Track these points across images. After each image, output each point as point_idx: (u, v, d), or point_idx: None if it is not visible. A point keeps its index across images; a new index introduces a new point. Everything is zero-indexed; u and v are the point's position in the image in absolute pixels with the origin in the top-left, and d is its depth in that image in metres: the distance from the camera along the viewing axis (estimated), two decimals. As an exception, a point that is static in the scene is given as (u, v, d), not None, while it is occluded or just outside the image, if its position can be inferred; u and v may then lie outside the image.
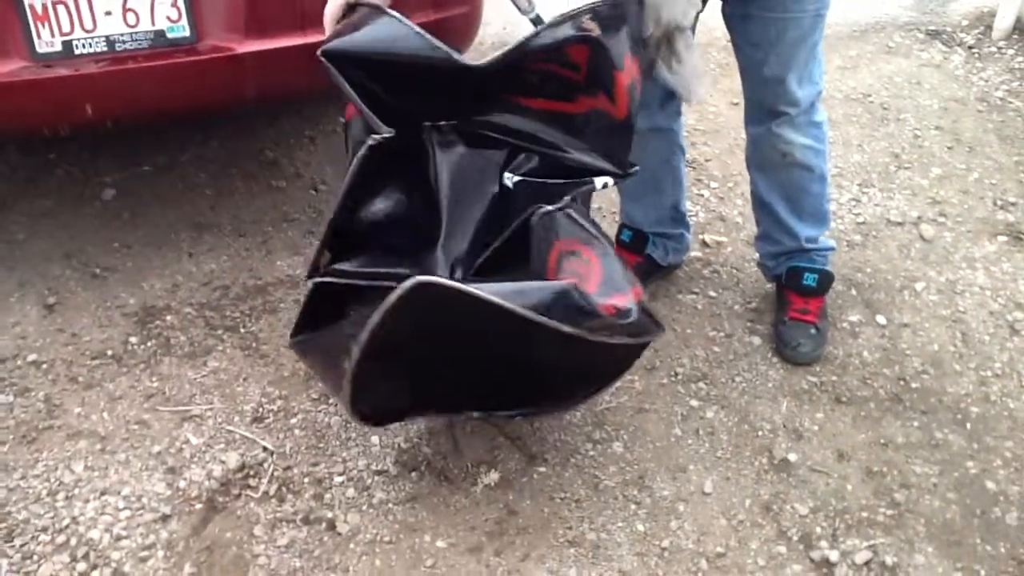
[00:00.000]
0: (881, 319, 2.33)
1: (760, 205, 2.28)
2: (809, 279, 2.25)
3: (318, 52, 1.71)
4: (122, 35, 2.03)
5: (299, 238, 2.53)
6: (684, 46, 1.82)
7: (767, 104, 2.10)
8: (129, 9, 2.01)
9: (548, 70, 1.78)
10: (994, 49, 3.63)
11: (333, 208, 1.83)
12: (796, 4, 1.95)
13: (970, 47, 3.68)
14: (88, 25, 1.99)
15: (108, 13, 2.00)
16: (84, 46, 2.01)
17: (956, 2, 3.97)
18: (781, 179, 2.19)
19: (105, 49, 2.02)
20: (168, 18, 2.04)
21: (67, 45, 1.99)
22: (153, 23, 2.04)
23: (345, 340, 1.58)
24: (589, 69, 1.76)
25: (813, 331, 2.24)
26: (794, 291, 2.27)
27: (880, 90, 3.35)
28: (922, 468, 1.96)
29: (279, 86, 2.22)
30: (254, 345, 2.19)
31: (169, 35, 2.06)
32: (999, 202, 2.75)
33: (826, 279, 2.27)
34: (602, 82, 1.75)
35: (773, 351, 2.24)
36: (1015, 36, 3.68)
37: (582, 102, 1.80)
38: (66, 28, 1.97)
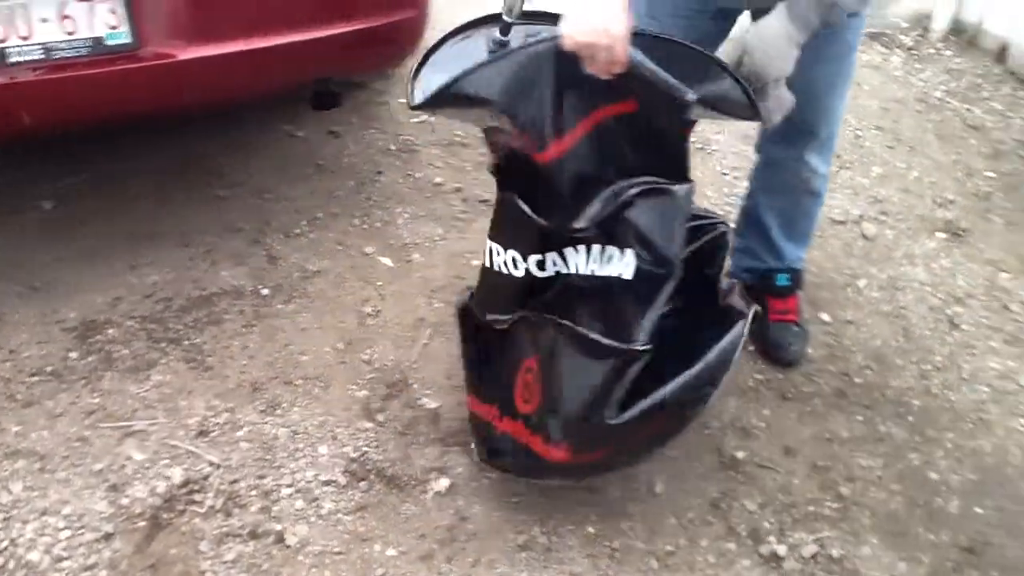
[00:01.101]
0: (825, 316, 2.36)
1: (753, 224, 2.24)
2: (782, 279, 2.26)
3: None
4: (59, 42, 1.99)
5: (244, 247, 2.50)
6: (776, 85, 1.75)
7: (805, 124, 2.00)
8: (67, 16, 1.97)
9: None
10: (932, 50, 3.71)
11: None
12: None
13: (909, 48, 3.76)
14: (24, 32, 1.95)
15: (44, 20, 1.96)
16: (19, 54, 1.96)
17: (895, 4, 4.05)
18: (789, 203, 2.17)
19: (42, 57, 1.98)
20: (107, 25, 2.01)
21: (1, 53, 1.95)
22: (92, 30, 2.00)
23: None
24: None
25: (797, 329, 2.25)
26: (770, 294, 2.25)
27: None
28: (866, 461, 1.99)
29: (223, 92, 2.20)
30: (198, 358, 2.16)
31: (109, 42, 2.03)
32: (938, 200, 2.81)
33: (798, 276, 2.28)
34: None
35: (759, 355, 2.24)
36: (952, 38, 3.77)
37: None
38: (0, 35, 1.93)
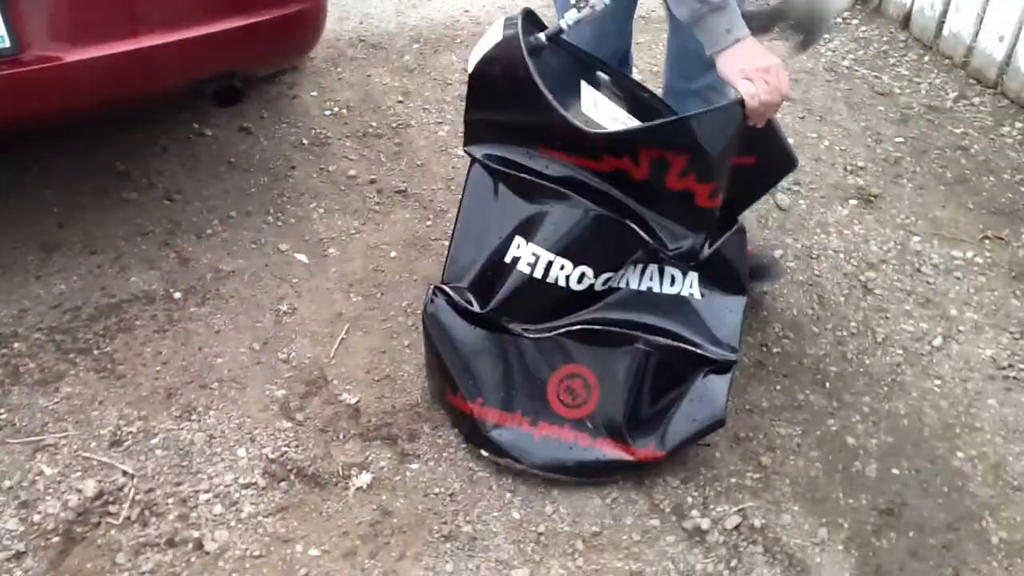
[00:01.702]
0: (742, 288, 2.39)
1: None
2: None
3: None
4: (-66, 51, 1.91)
5: (154, 251, 2.43)
6: None
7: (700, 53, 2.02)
8: (-61, 23, 1.90)
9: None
10: (839, 20, 3.76)
11: None
12: None
13: (818, 19, 3.80)
14: None
15: (-84, 26, 1.88)
16: None
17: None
18: None
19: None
20: (-17, 30, 1.93)
21: None
22: (-33, 34, 1.92)
23: None
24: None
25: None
26: None
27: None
28: (786, 430, 2.02)
29: (117, 94, 2.13)
30: (109, 366, 2.10)
31: None
32: (849, 167, 2.85)
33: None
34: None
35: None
36: (858, 7, 3.82)
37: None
38: None
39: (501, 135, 1.88)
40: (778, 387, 2.12)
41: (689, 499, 1.87)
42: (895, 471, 1.93)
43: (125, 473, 1.86)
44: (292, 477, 1.88)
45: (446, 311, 1.92)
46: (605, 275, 1.85)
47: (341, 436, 1.97)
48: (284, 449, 1.93)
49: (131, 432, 1.96)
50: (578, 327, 1.88)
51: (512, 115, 1.83)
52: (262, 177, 2.73)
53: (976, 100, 3.23)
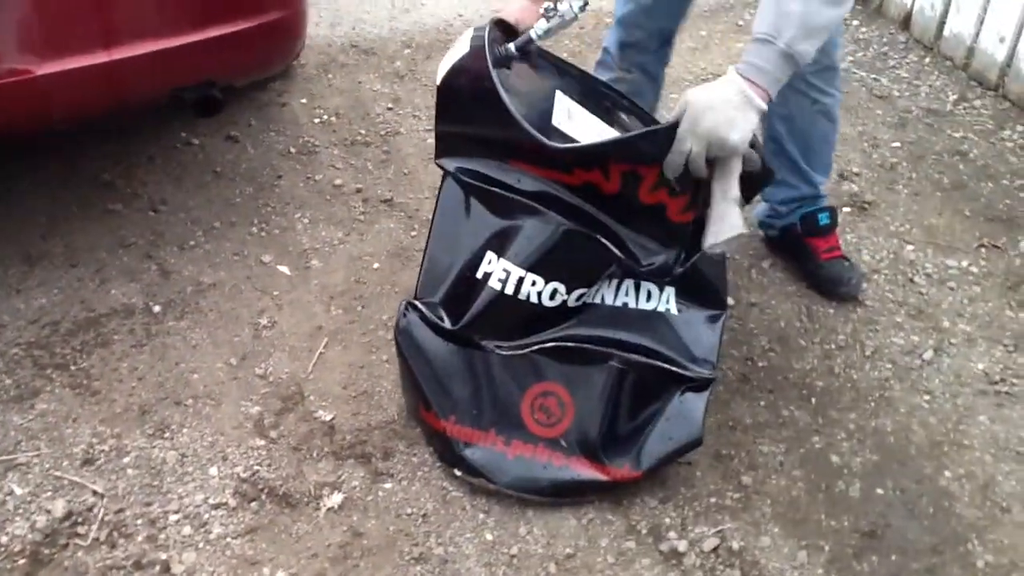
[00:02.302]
0: (729, 300, 2.33)
1: (778, 154, 2.27)
2: (823, 218, 2.34)
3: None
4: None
5: (136, 263, 2.41)
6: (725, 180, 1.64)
7: None
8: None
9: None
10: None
11: None
12: None
13: (819, 20, 3.73)
14: None
15: None
16: None
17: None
18: (806, 126, 2.24)
19: None
20: (-47, 43, 1.91)
21: None
22: (-65, 49, 1.91)
23: None
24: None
25: (848, 264, 2.35)
26: (814, 235, 2.35)
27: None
28: (769, 447, 1.97)
29: (88, 106, 2.11)
30: (85, 382, 2.08)
31: None
32: (844, 173, 2.79)
33: (834, 213, 2.38)
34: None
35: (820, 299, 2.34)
36: (859, 7, 3.76)
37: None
38: None
39: (471, 148, 1.85)
40: (762, 403, 2.07)
41: (667, 520, 1.83)
42: (879, 491, 1.89)
43: (95, 493, 1.84)
44: (263, 497, 1.85)
45: (419, 327, 1.89)
46: (578, 291, 1.81)
47: (315, 454, 1.94)
48: (256, 468, 1.91)
49: (103, 450, 1.93)
50: (551, 344, 1.84)
51: (480, 128, 1.80)
52: (248, 187, 2.71)
53: (977, 103, 3.17)
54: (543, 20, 1.78)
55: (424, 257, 1.94)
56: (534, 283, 1.78)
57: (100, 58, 2.00)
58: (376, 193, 2.70)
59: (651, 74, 2.38)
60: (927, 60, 3.42)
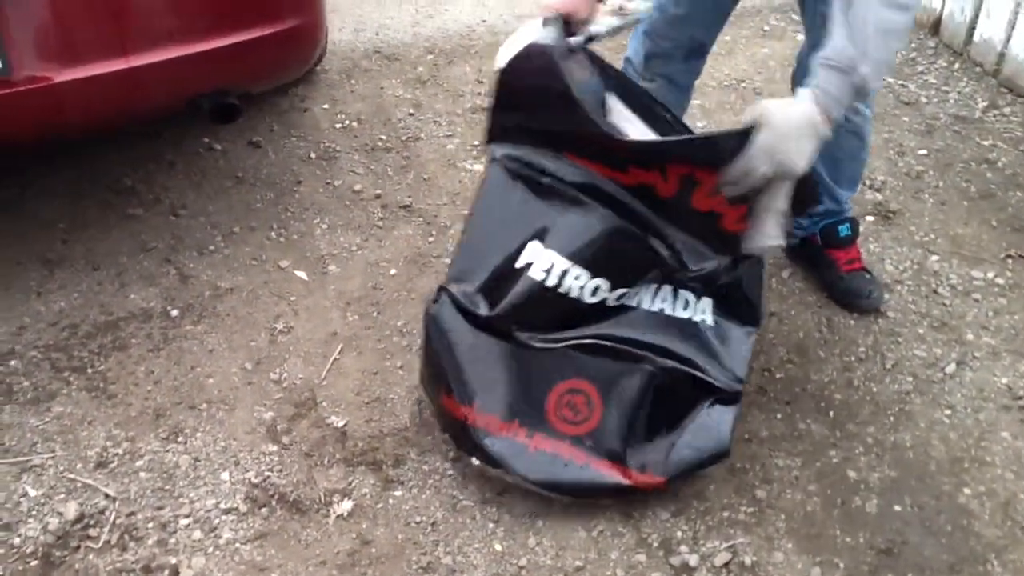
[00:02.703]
0: (749, 310, 2.31)
1: None
2: (844, 229, 2.32)
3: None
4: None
5: (155, 267, 2.43)
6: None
7: None
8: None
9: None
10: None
11: None
12: None
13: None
14: None
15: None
16: None
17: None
18: (834, 144, 2.15)
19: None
20: (-24, 51, 1.94)
21: None
22: (-40, 57, 1.93)
23: None
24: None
25: (869, 276, 2.32)
26: (834, 247, 2.32)
27: (754, 75, 3.34)
28: (784, 461, 1.94)
29: (106, 113, 2.12)
30: (101, 385, 2.10)
31: None
32: (868, 181, 2.75)
33: (855, 224, 2.35)
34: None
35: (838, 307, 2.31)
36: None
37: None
38: None
39: (526, 136, 1.83)
40: (779, 415, 2.04)
41: (679, 533, 1.81)
42: (897, 507, 1.85)
43: (107, 496, 1.85)
44: (273, 503, 1.85)
45: (449, 312, 1.86)
46: (620, 291, 1.80)
47: (326, 461, 1.94)
48: (267, 473, 1.91)
49: (117, 453, 1.95)
50: (588, 340, 1.82)
51: (540, 118, 1.79)
52: (268, 192, 2.72)
53: (1007, 110, 3.11)
54: (613, 17, 1.75)
55: (461, 241, 1.92)
56: (577, 277, 1.77)
57: (118, 65, 2.01)
58: (395, 199, 2.70)
59: (679, 84, 2.32)
60: (956, 66, 3.36)
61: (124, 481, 1.89)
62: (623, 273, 1.81)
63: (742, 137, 1.59)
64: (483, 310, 1.84)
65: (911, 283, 2.39)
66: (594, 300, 1.80)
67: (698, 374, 1.84)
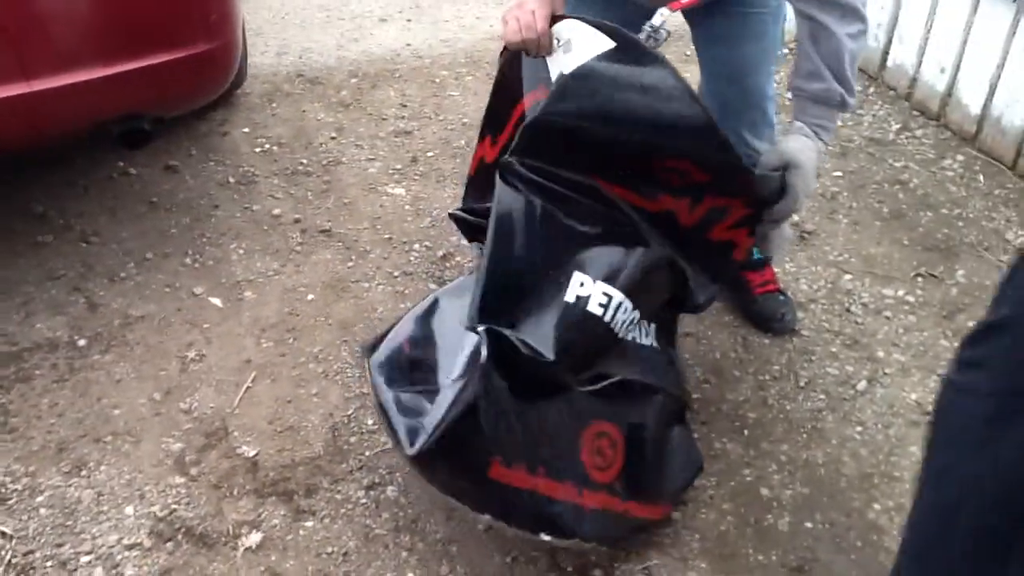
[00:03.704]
0: (665, 331, 2.32)
1: None
2: (757, 253, 2.28)
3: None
4: None
5: (63, 296, 2.36)
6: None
7: (732, 104, 2.09)
8: None
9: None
10: (786, 51, 3.72)
11: None
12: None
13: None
14: None
15: None
16: None
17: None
18: None
19: None
20: None
21: None
22: None
23: None
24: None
25: (783, 298, 2.35)
26: (749, 269, 2.33)
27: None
28: (700, 480, 1.94)
29: (5, 138, 2.07)
30: (2, 419, 2.02)
31: None
32: (785, 203, 2.79)
33: None
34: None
35: (753, 329, 2.33)
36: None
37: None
38: None
39: (563, 152, 1.68)
40: (696, 435, 2.04)
41: (593, 557, 1.79)
42: (808, 524, 1.86)
43: (3, 534, 1.78)
44: (179, 537, 1.80)
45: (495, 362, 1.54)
46: (647, 323, 1.80)
47: (235, 492, 1.89)
48: (174, 506, 1.86)
49: (16, 489, 1.88)
50: (618, 378, 1.71)
51: (595, 133, 1.66)
52: (184, 217, 2.67)
53: (919, 132, 3.19)
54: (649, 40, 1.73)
55: (486, 273, 1.61)
56: (625, 310, 1.67)
57: (18, 89, 1.96)
58: (315, 223, 2.67)
59: None
60: (872, 90, 3.44)
61: (23, 518, 1.83)
62: (651, 304, 1.76)
63: (782, 178, 1.74)
64: (549, 354, 1.58)
65: (825, 302, 2.43)
66: (621, 334, 1.70)
67: (673, 397, 1.85)
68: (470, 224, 1.92)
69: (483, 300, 1.58)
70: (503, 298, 1.60)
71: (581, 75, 1.64)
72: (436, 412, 1.59)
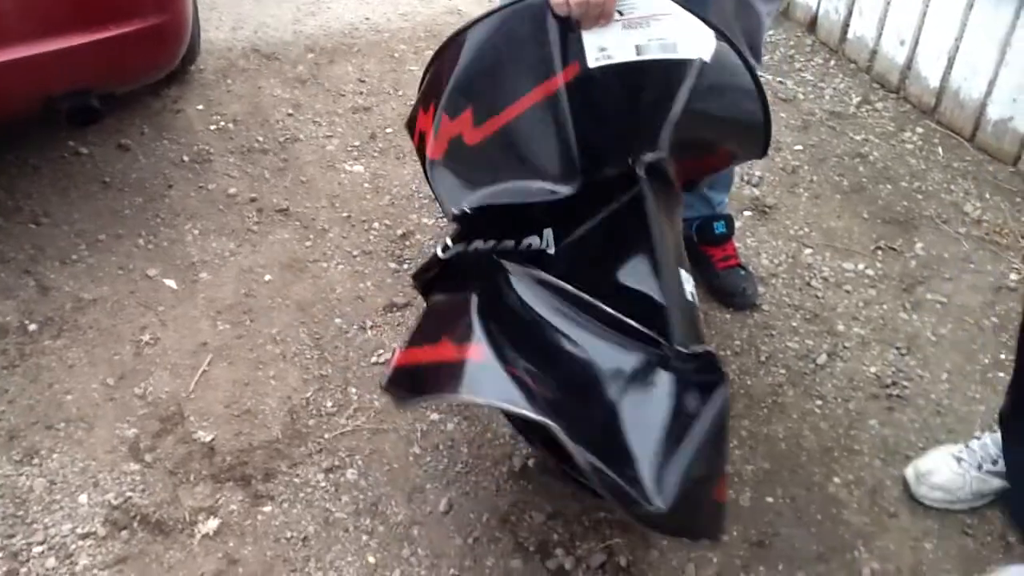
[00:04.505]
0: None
1: None
2: (718, 227, 2.34)
3: None
4: None
5: (13, 279, 2.30)
6: None
7: None
8: None
9: None
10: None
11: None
12: None
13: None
14: None
15: None
16: None
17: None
18: None
19: None
20: None
21: None
22: None
23: None
24: None
25: (744, 273, 2.35)
26: (709, 244, 2.34)
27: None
28: (661, 458, 1.94)
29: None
30: (-51, 407, 1.98)
31: None
32: (746, 177, 2.79)
33: (730, 222, 2.37)
34: None
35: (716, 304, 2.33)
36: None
37: None
38: None
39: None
40: (657, 412, 2.04)
41: (555, 536, 1.79)
42: (769, 499, 1.87)
43: (-47, 526, 1.75)
44: (135, 525, 1.77)
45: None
46: None
47: (191, 478, 1.86)
48: (129, 494, 1.82)
49: (-35, 480, 1.84)
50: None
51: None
52: (137, 197, 2.61)
53: (879, 105, 3.19)
54: None
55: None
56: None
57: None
58: (271, 202, 2.62)
59: None
60: (832, 63, 3.44)
61: (-28, 509, 1.79)
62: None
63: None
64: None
65: (786, 276, 2.43)
66: None
67: None
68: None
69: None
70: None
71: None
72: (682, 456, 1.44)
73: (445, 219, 1.65)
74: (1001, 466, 1.81)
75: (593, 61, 1.55)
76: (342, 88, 3.17)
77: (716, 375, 1.48)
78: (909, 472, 1.88)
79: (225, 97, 3.08)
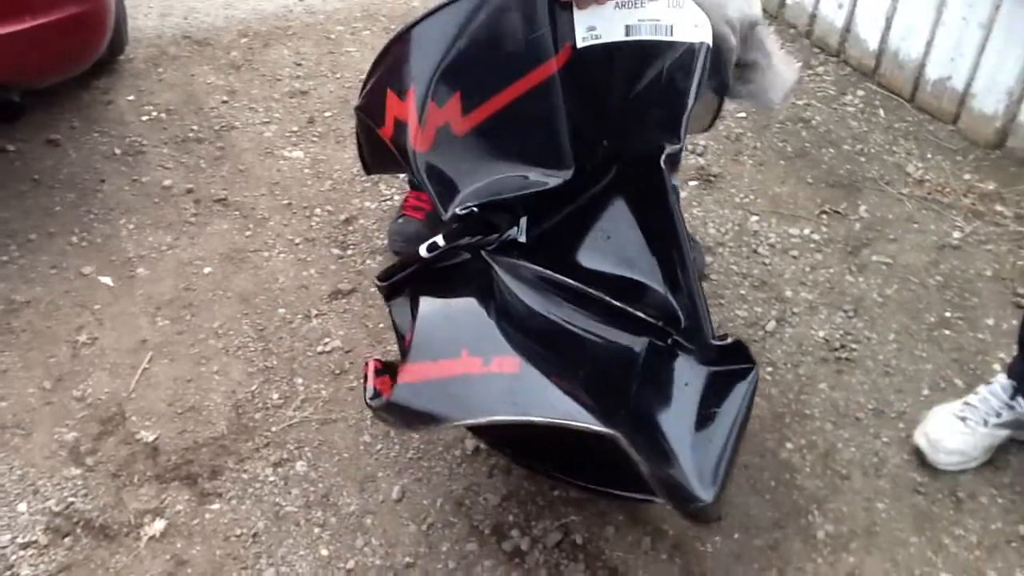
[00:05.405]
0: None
1: None
2: None
3: None
4: None
5: (-58, 284, 2.23)
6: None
7: None
8: None
9: None
10: None
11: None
12: None
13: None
14: None
15: None
16: None
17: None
18: None
19: None
20: None
21: None
22: None
23: None
24: None
25: (692, 244, 2.30)
26: None
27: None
28: (614, 433, 1.93)
29: None
30: None
31: None
32: (690, 147, 2.77)
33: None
34: None
35: None
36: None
37: None
38: None
39: None
40: (608, 387, 2.03)
41: (510, 518, 1.77)
42: (723, 469, 1.86)
43: None
44: (78, 531, 1.72)
45: None
46: None
47: (135, 480, 1.81)
48: (71, 500, 1.77)
49: (-103, 494, 1.77)
50: None
51: None
52: (68, 193, 2.53)
53: (820, 69, 3.20)
54: None
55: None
56: None
57: None
58: (209, 193, 2.56)
59: None
60: (772, 29, 3.42)
61: (-94, 524, 1.72)
62: None
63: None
64: None
65: (732, 244, 2.42)
66: None
67: None
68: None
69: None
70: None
71: None
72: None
73: (439, 215, 1.54)
74: (1005, 417, 1.84)
75: (581, 41, 1.51)
76: (278, 72, 3.10)
77: (747, 364, 1.55)
78: (921, 441, 1.87)
79: (157, 86, 2.99)
